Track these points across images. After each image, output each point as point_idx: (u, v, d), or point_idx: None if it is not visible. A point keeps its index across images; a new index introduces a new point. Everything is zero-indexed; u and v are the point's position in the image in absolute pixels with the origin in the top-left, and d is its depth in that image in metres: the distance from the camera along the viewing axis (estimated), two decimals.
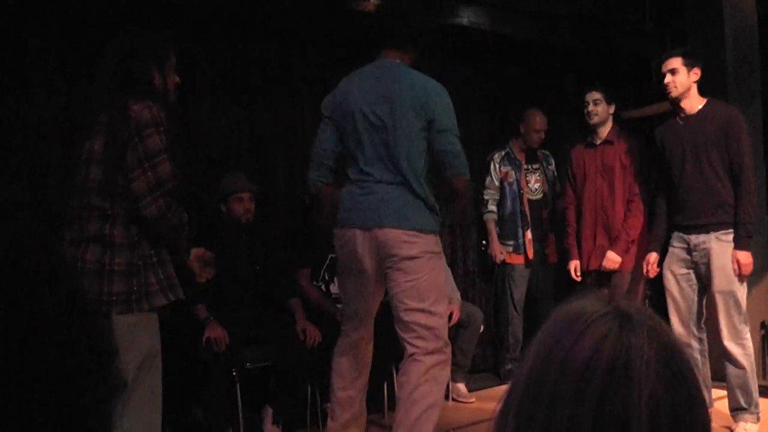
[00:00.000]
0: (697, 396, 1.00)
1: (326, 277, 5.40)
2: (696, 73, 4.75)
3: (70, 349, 3.49)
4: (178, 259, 3.44)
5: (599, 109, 5.57)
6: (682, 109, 4.81)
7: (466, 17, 6.00)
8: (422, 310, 3.78)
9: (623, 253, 5.48)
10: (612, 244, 5.51)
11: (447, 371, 3.93)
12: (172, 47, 3.50)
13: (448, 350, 3.87)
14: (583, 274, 5.71)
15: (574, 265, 5.74)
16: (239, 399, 4.66)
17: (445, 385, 3.91)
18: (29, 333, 4.25)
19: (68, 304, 3.28)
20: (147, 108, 3.14)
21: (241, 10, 5.28)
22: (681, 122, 4.83)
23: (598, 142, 5.65)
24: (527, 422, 1.01)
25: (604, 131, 5.63)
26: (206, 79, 5.49)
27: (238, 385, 4.64)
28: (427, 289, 3.79)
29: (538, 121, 6.35)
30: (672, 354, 1.00)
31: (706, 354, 4.85)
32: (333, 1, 5.49)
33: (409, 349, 3.80)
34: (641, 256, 5.24)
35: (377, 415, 5.22)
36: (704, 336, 4.83)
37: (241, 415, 4.66)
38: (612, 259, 5.47)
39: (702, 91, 4.81)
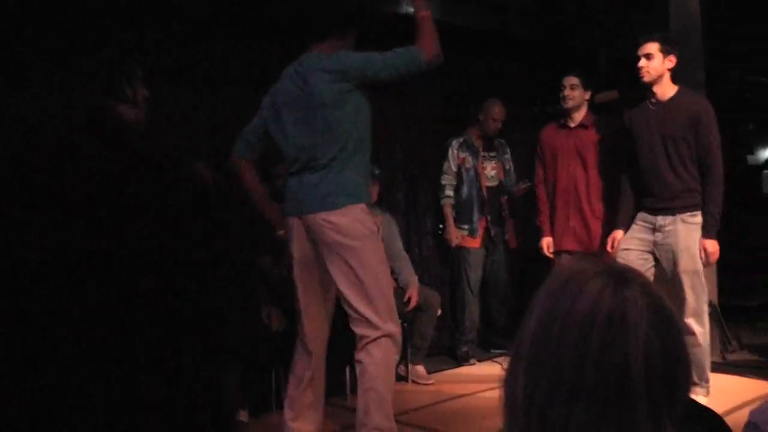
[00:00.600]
0: (681, 342, 1.13)
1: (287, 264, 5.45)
2: (671, 60, 4.82)
3: None
4: None
5: (575, 94, 5.67)
6: (653, 95, 4.90)
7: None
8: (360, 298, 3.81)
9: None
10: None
11: (394, 353, 3.91)
12: (137, 62, 3.71)
13: (394, 331, 3.84)
14: (559, 253, 5.76)
15: (547, 242, 5.81)
16: None
17: (393, 367, 3.96)
18: None
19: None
20: (126, 109, 3.35)
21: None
22: (652, 108, 4.92)
23: (572, 125, 5.74)
24: (536, 374, 1.12)
25: (579, 115, 5.73)
26: (176, 70, 5.50)
27: None
28: (363, 275, 3.79)
29: (497, 111, 6.47)
30: (660, 305, 1.13)
31: None
32: None
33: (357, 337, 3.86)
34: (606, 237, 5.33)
35: (339, 398, 5.31)
36: None
37: None
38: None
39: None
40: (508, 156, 6.73)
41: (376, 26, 5.38)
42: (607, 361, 1.07)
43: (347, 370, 5.32)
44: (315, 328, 4.08)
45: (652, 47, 4.82)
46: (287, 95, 3.92)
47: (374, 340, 3.78)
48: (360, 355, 3.83)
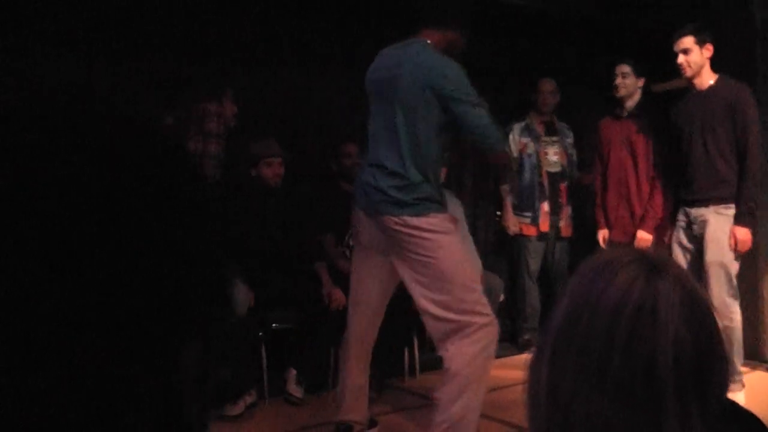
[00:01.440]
0: (717, 338, 1.09)
1: (350, 243, 5.46)
2: (708, 50, 4.77)
3: None
4: None
5: (627, 82, 5.55)
6: (693, 85, 4.87)
7: None
8: (435, 302, 3.57)
9: (652, 231, 5.43)
10: (640, 223, 5.45)
11: (481, 348, 3.58)
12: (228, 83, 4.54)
13: (480, 325, 3.55)
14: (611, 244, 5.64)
15: (603, 235, 5.70)
16: (264, 360, 4.75)
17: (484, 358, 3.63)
18: None
19: None
20: (216, 104, 3.93)
21: None
22: (692, 97, 4.89)
23: (624, 114, 5.64)
24: (561, 364, 1.08)
25: (632, 104, 5.60)
26: (237, 47, 5.53)
27: (263, 345, 4.73)
28: (439, 278, 3.55)
29: (547, 86, 6.38)
30: (695, 299, 1.08)
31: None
32: None
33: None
34: (660, 231, 5.31)
35: (397, 379, 5.31)
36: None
37: (265, 375, 4.75)
38: (642, 238, 5.39)
39: (722, 58, 4.83)
40: (570, 140, 6.60)
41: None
42: (634, 354, 1.03)
43: (405, 351, 5.31)
44: (362, 320, 3.95)
45: (688, 41, 4.78)
46: (377, 85, 3.77)
47: (464, 333, 3.53)
48: (445, 346, 3.59)
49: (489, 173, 6.84)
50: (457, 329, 3.53)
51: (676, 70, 4.91)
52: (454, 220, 3.75)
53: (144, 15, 5.05)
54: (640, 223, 5.46)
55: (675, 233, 5.01)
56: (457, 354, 3.53)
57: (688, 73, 4.80)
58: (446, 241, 3.57)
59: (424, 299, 3.58)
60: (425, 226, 3.54)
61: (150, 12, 5.06)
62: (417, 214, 3.54)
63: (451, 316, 3.53)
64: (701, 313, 1.08)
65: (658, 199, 5.40)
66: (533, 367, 1.14)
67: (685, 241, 4.93)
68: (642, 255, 1.11)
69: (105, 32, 4.94)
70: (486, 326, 3.56)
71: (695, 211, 4.84)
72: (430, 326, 3.68)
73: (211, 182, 4.61)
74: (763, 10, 5.64)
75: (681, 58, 4.78)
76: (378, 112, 3.74)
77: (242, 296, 4.55)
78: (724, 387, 1.11)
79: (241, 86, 5.52)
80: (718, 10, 5.89)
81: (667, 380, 1.02)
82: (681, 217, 4.98)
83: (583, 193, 6.62)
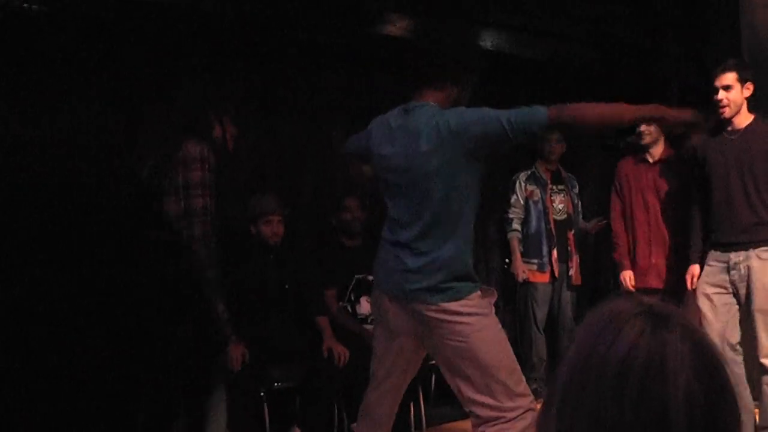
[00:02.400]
0: (729, 389, 1.04)
1: (352, 298, 5.44)
2: (749, 89, 4.60)
3: None
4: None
5: (652, 129, 5.41)
6: (731, 124, 4.67)
7: (489, 41, 6.07)
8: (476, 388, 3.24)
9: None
10: (691, 257, 5.05)
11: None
12: (232, 100, 3.72)
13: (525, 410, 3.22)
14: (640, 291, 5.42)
15: (628, 276, 5.51)
16: (267, 419, 4.69)
17: None
18: None
19: None
20: (198, 146, 3.33)
21: (268, 31, 5.36)
22: (728, 137, 4.69)
23: (652, 160, 5.51)
24: (570, 417, 1.04)
25: (657, 150, 5.50)
26: (234, 100, 5.57)
27: (265, 404, 4.68)
28: (475, 361, 3.21)
29: (554, 135, 6.31)
30: (704, 350, 1.04)
31: (744, 378, 4.63)
32: (359, 24, 5.56)
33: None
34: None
35: None
36: (741, 359, 4.66)
37: None
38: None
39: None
40: (576, 190, 6.64)
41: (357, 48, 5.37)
42: (645, 409, 0.99)
43: (411, 406, 5.25)
44: (380, 397, 3.60)
45: (730, 77, 4.57)
46: (384, 161, 3.40)
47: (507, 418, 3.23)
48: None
49: (490, 221, 6.84)
50: (500, 415, 3.22)
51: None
52: (492, 297, 3.40)
53: (134, 62, 5.09)
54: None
55: (703, 279, 4.77)
56: None
57: (727, 113, 4.57)
58: (485, 322, 3.25)
59: (464, 385, 3.26)
60: (464, 310, 3.20)
61: (141, 59, 5.10)
62: (454, 299, 3.21)
63: (492, 402, 3.21)
64: (711, 364, 1.04)
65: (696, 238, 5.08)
66: (541, 423, 1.11)
67: (717, 286, 4.68)
68: (647, 306, 1.08)
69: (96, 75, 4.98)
70: (528, 411, 3.23)
71: (735, 256, 4.61)
72: (474, 412, 3.30)
73: (202, 241, 3.88)
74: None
75: (721, 95, 4.55)
76: (398, 191, 3.34)
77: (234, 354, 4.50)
78: None
79: (234, 140, 5.55)
80: (711, 60, 5.94)
81: None
82: (713, 262, 4.72)
83: (587, 242, 6.63)
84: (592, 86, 7.12)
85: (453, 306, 3.20)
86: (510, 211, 6.46)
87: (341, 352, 4.89)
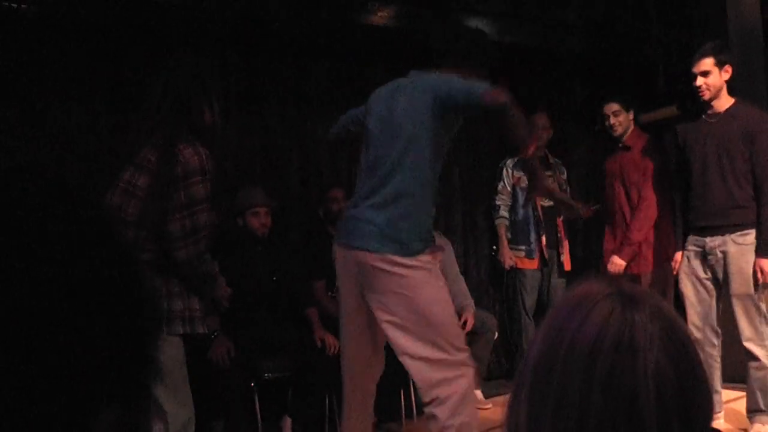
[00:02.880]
0: (700, 369, 1.06)
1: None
2: (727, 71, 4.63)
3: None
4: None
5: (620, 119, 5.53)
6: (710, 107, 4.71)
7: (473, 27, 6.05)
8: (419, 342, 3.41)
9: (628, 257, 5.40)
10: (618, 248, 5.45)
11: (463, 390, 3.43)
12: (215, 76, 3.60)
13: (461, 371, 3.42)
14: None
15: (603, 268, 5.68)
16: (258, 410, 4.70)
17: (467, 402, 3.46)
18: None
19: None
20: (196, 155, 3.23)
21: (252, 22, 5.35)
22: (707, 120, 4.73)
23: (619, 146, 5.62)
24: (540, 402, 1.05)
25: (630, 138, 5.59)
26: (219, 93, 5.55)
27: (256, 396, 4.69)
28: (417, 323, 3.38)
29: (540, 118, 6.33)
30: (674, 329, 1.05)
31: (718, 359, 4.78)
32: (342, 14, 5.55)
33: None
34: (661, 259, 5.27)
35: (394, 424, 5.26)
36: (718, 341, 4.77)
37: (260, 426, 4.70)
38: (615, 263, 5.40)
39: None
40: (564, 175, 6.63)
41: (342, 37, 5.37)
42: (614, 389, 1.00)
43: (402, 393, 5.26)
44: (358, 365, 3.76)
45: (708, 63, 4.62)
46: (374, 119, 3.64)
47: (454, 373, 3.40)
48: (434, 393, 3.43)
49: (478, 207, 6.85)
50: (446, 370, 3.38)
51: (660, 101, 4.83)
52: (438, 252, 3.61)
53: (119, 58, 5.08)
54: (618, 248, 5.43)
55: (684, 262, 4.84)
56: (446, 402, 3.37)
57: (707, 96, 4.64)
58: (427, 278, 3.43)
59: (404, 340, 3.40)
60: (408, 263, 3.38)
61: (121, 51, 5.09)
62: (401, 253, 3.38)
63: (438, 355, 3.38)
64: (681, 344, 1.05)
65: (636, 224, 5.36)
66: (512, 406, 1.11)
67: (698, 270, 4.76)
68: (617, 288, 1.08)
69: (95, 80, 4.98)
70: (469, 367, 3.44)
71: (711, 240, 4.67)
72: (416, 370, 3.47)
73: (208, 255, 3.63)
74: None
75: (700, 80, 4.62)
76: (371, 139, 3.58)
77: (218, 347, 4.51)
78: (709, 418, 1.08)
79: (225, 133, 5.54)
80: (696, 39, 5.95)
81: (649, 414, 0.99)
82: (692, 246, 4.79)
83: (576, 228, 6.65)
84: (579, 72, 7.15)
85: (398, 259, 3.36)
86: (497, 197, 6.46)
87: (332, 343, 4.90)
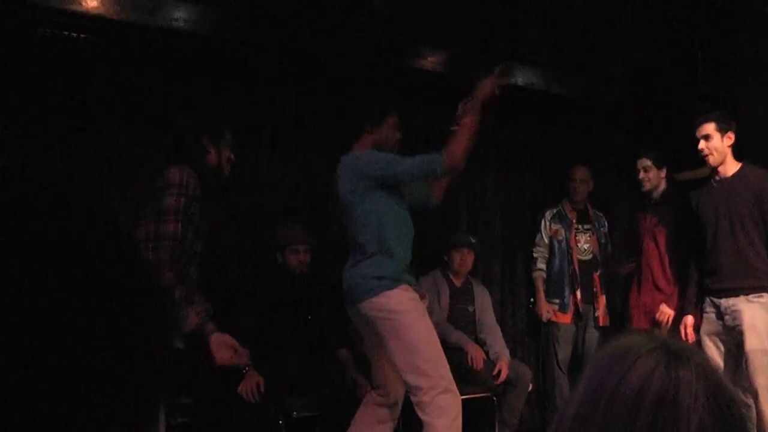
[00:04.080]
0: (743, 430, 1.02)
1: None
2: (730, 137, 4.77)
3: None
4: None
5: (650, 176, 5.61)
6: (717, 173, 4.85)
7: (520, 77, 6.08)
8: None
9: (675, 309, 5.36)
10: (667, 300, 5.43)
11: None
12: (228, 126, 3.93)
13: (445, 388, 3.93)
14: None
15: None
16: None
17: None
18: None
19: None
20: (179, 171, 3.39)
21: (302, 63, 5.41)
22: (715, 185, 4.86)
23: (650, 204, 5.68)
24: None
25: (657, 194, 5.66)
26: (265, 131, 5.62)
27: None
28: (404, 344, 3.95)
29: (579, 173, 6.35)
30: (719, 388, 1.02)
31: (754, 420, 4.70)
32: (393, 55, 5.59)
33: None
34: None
35: None
36: (751, 401, 4.70)
37: None
38: (663, 311, 5.40)
39: (751, 154, 4.83)
40: (605, 229, 6.56)
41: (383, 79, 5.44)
42: None
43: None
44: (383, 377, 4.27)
45: (709, 128, 4.79)
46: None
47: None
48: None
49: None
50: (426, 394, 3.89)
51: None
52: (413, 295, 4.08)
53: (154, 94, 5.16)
54: (667, 300, 5.42)
55: (704, 324, 4.90)
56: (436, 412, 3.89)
57: (712, 160, 4.79)
58: (403, 317, 3.95)
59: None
60: (383, 304, 3.96)
61: (160, 93, 5.17)
62: (375, 295, 3.97)
63: (411, 380, 3.94)
64: (727, 405, 1.01)
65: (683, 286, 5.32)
66: None
67: (716, 332, 4.82)
68: (662, 342, 1.06)
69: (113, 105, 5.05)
70: (449, 391, 3.92)
71: (725, 302, 4.74)
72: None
73: (169, 264, 3.54)
74: None
75: (702, 144, 4.78)
76: (341, 216, 4.30)
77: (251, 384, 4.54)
78: None
79: (264, 169, 5.60)
80: (742, 95, 5.92)
81: None
82: (709, 308, 4.88)
83: (617, 283, 6.58)
84: (622, 124, 7.12)
85: (375, 301, 3.96)
86: (535, 249, 6.42)
87: (363, 384, 4.88)
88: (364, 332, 4.26)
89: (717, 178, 4.86)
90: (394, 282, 3.99)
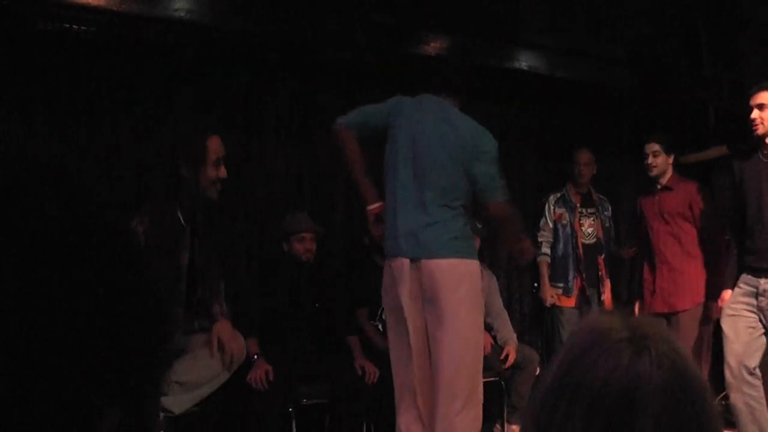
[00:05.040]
0: (704, 422, 1.04)
1: (383, 317, 5.43)
2: None
3: None
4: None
5: (658, 161, 5.59)
6: (765, 146, 4.65)
7: (525, 62, 6.06)
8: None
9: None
10: (709, 292, 5.35)
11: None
12: (211, 140, 3.80)
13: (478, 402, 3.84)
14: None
15: (639, 305, 5.79)
16: None
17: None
18: None
19: None
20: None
21: (305, 51, 5.40)
22: (762, 158, 4.67)
23: (658, 188, 5.66)
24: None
25: (664, 179, 5.64)
26: (270, 120, 5.62)
27: (294, 421, 4.68)
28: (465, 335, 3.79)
29: (583, 156, 6.34)
30: (681, 379, 1.04)
31: (763, 401, 4.66)
32: (395, 43, 5.58)
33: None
34: (698, 297, 5.30)
35: None
36: (759, 383, 4.65)
37: None
38: (716, 307, 5.22)
39: None
40: (608, 213, 6.54)
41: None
42: None
43: None
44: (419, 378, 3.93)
45: (765, 96, 4.53)
46: (414, 134, 3.93)
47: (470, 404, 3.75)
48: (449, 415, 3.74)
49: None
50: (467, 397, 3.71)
51: (709, 140, 4.82)
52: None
53: (165, 77, 5.15)
54: (710, 293, 5.34)
55: (731, 300, 4.76)
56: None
57: (760, 130, 4.55)
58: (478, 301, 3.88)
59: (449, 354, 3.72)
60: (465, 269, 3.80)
61: (170, 74, 5.17)
62: (462, 257, 3.81)
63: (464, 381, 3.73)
64: (687, 395, 1.04)
65: (720, 266, 5.25)
66: (524, 426, 1.17)
67: (742, 307, 4.67)
68: (631, 330, 1.08)
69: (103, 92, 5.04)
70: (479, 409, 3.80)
71: (765, 283, 4.58)
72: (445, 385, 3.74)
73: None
74: None
75: (755, 113, 4.54)
76: (407, 156, 3.91)
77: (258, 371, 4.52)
78: None
79: (270, 157, 5.59)
80: (747, 79, 5.90)
81: None
82: (743, 285, 4.70)
83: (620, 266, 6.59)
84: (629, 108, 7.10)
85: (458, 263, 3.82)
86: (539, 234, 6.40)
87: (372, 371, 4.89)
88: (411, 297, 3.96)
89: (765, 151, 4.65)
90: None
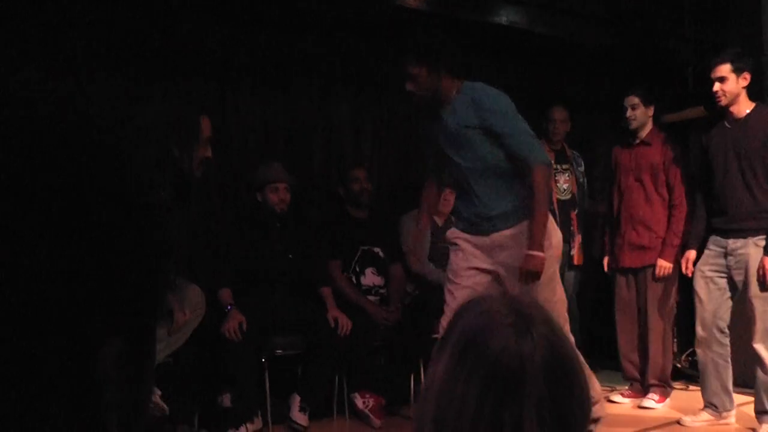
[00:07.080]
0: (577, 387, 1.20)
1: (357, 269, 5.45)
2: (745, 78, 4.70)
3: None
4: None
5: (638, 113, 5.60)
6: (729, 113, 4.78)
7: (505, 16, 6.02)
8: None
9: (671, 258, 5.45)
10: (661, 251, 5.49)
11: None
12: (202, 120, 3.79)
13: None
14: (617, 271, 5.78)
15: (606, 261, 5.89)
16: (267, 386, 4.72)
17: None
18: None
19: None
20: None
21: (281, 2, 5.33)
22: (728, 126, 4.79)
23: (636, 142, 5.67)
24: (443, 415, 1.18)
25: (643, 133, 5.65)
26: (245, 69, 5.56)
27: (266, 371, 4.71)
28: None
29: (556, 112, 6.33)
30: (560, 359, 1.19)
31: (728, 359, 4.88)
32: None
33: None
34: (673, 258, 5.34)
35: (405, 407, 5.26)
36: (727, 341, 4.86)
37: (269, 401, 4.72)
38: (662, 266, 5.46)
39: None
40: (582, 168, 6.56)
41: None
42: (502, 415, 1.14)
43: (411, 378, 5.27)
44: None
45: (724, 69, 4.70)
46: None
47: None
48: None
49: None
50: None
51: (689, 100, 4.87)
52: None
53: (140, 28, 5.08)
54: (662, 251, 5.48)
55: (701, 261, 4.93)
56: None
57: (723, 102, 4.71)
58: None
59: None
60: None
61: (145, 25, 5.10)
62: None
63: None
64: (564, 373, 1.19)
65: (677, 227, 5.42)
66: (420, 407, 1.24)
67: (713, 270, 4.85)
68: (515, 312, 1.21)
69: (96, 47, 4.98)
70: None
71: (733, 243, 4.75)
72: None
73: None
74: None
75: (716, 86, 4.70)
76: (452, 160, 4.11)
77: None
78: (584, 425, 1.21)
79: (246, 108, 5.55)
80: (729, 40, 5.89)
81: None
82: (713, 246, 4.88)
83: (592, 221, 6.62)
84: (608, 66, 7.09)
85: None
86: None
87: (344, 323, 4.92)
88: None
89: (730, 118, 4.78)
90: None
